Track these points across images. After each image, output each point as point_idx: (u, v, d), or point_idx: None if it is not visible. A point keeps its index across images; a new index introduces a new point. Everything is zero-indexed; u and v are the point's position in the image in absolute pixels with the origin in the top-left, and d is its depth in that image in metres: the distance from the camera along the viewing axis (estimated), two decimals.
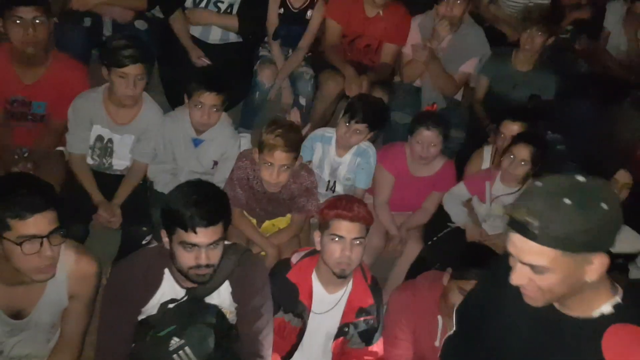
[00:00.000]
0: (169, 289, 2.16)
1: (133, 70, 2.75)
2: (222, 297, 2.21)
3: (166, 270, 2.15)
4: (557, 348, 1.53)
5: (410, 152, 3.24)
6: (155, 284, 2.14)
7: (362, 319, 2.45)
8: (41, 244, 1.83)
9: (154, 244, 3.04)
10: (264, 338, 2.22)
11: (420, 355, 2.52)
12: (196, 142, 3.04)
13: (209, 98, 2.88)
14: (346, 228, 2.30)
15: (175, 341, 2.12)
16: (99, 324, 2.18)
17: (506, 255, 1.49)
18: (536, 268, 1.42)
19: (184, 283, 2.14)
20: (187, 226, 1.96)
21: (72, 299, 2.10)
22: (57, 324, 2.15)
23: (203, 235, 1.98)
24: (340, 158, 3.22)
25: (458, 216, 3.26)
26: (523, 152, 3.07)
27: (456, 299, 2.37)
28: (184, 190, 2.05)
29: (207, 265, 2.03)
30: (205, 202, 1.99)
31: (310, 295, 2.41)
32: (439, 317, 2.52)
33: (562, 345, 1.52)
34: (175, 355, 2.11)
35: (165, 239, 2.08)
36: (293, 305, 2.39)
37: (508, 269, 1.49)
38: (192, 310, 2.15)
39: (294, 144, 2.74)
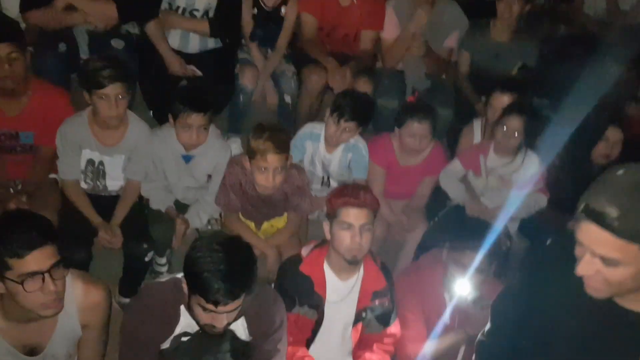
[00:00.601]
0: (186, 324, 2.11)
1: (113, 90, 2.72)
2: (237, 327, 2.16)
3: (182, 307, 2.10)
4: (616, 342, 1.48)
5: (398, 144, 3.24)
6: (173, 320, 2.10)
7: (377, 302, 2.47)
8: (43, 279, 1.81)
9: (156, 258, 3.09)
10: None
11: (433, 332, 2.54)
12: (187, 159, 3.01)
13: (196, 119, 2.83)
14: (354, 215, 2.32)
15: None
16: None
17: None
18: (608, 261, 1.37)
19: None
20: (210, 299, 1.88)
21: (86, 328, 2.08)
22: (73, 355, 2.14)
23: (224, 309, 1.91)
24: (329, 155, 3.22)
25: (456, 193, 3.26)
26: (515, 123, 3.08)
27: (455, 273, 2.44)
28: (214, 255, 1.89)
29: (224, 326, 1.97)
30: (234, 275, 1.88)
31: (324, 285, 2.42)
32: (445, 295, 2.55)
33: (622, 339, 1.48)
34: None
35: (185, 288, 1.99)
36: (309, 297, 2.40)
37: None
38: (206, 341, 2.11)
39: (284, 145, 2.74)
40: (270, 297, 2.19)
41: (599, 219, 1.34)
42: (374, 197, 2.41)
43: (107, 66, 2.72)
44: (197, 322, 2.03)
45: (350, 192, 2.36)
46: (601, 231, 1.34)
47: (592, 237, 1.37)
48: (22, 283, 1.79)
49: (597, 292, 1.44)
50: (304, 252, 2.48)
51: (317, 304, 2.41)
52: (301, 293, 2.40)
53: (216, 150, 3.01)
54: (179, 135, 2.90)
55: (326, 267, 2.44)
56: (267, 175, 2.73)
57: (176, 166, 3.01)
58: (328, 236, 2.41)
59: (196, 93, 2.96)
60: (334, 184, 3.28)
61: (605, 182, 1.37)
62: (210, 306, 1.89)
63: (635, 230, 1.32)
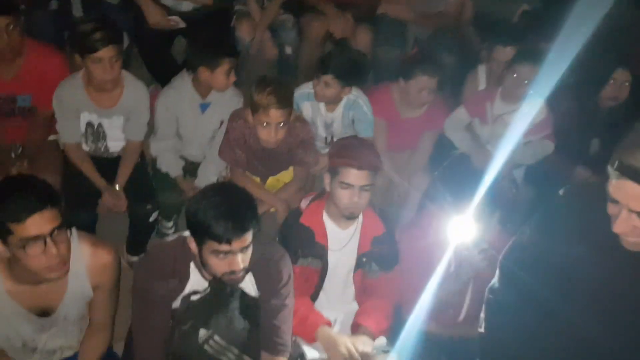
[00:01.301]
0: (195, 282, 2.13)
1: (106, 53, 2.67)
2: (245, 284, 2.18)
3: (192, 264, 2.12)
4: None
5: (399, 96, 3.19)
6: (184, 277, 2.11)
7: (376, 247, 2.50)
8: (45, 243, 1.83)
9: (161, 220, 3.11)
10: (288, 327, 2.22)
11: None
12: (203, 107, 3.02)
13: (229, 62, 2.87)
14: (355, 176, 2.31)
15: (203, 332, 2.11)
16: (133, 323, 2.18)
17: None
18: None
19: (208, 275, 2.11)
20: (222, 239, 1.90)
21: (96, 289, 2.11)
22: (85, 315, 2.18)
23: (237, 244, 1.92)
24: (331, 113, 3.17)
25: (462, 141, 3.24)
26: (526, 71, 3.03)
27: (460, 222, 2.40)
28: (211, 200, 1.94)
29: (242, 269, 1.98)
30: (236, 210, 1.91)
31: (325, 234, 2.45)
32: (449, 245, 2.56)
33: None
34: (206, 346, 2.11)
35: (193, 246, 2.01)
36: (311, 247, 2.43)
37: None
38: (215, 299, 2.14)
39: (287, 100, 2.72)
40: (277, 253, 2.21)
41: (636, 175, 1.34)
42: (377, 157, 2.39)
43: (99, 28, 2.67)
44: (215, 276, 2.04)
45: (351, 153, 2.33)
46: (638, 187, 1.35)
47: (628, 194, 1.37)
48: (24, 247, 1.81)
49: (636, 246, 1.45)
50: (303, 204, 2.50)
51: (321, 254, 2.44)
52: (303, 244, 2.43)
53: (230, 96, 3.03)
54: (215, 81, 2.91)
55: (325, 218, 2.46)
56: (269, 129, 2.72)
57: (192, 116, 3.02)
58: (328, 188, 2.42)
59: (222, 39, 3.02)
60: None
61: (638, 137, 1.36)
62: (225, 246, 1.90)
63: None
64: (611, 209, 1.42)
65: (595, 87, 3.13)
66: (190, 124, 3.03)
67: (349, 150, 2.36)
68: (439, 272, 2.56)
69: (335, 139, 3.23)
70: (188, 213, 1.99)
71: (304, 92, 3.15)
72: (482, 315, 1.88)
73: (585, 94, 3.09)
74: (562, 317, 1.57)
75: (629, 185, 1.36)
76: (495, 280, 1.82)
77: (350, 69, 3.01)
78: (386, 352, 2.46)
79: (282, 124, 2.72)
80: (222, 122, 3.04)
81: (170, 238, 2.25)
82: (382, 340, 2.48)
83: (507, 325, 1.74)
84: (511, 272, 1.74)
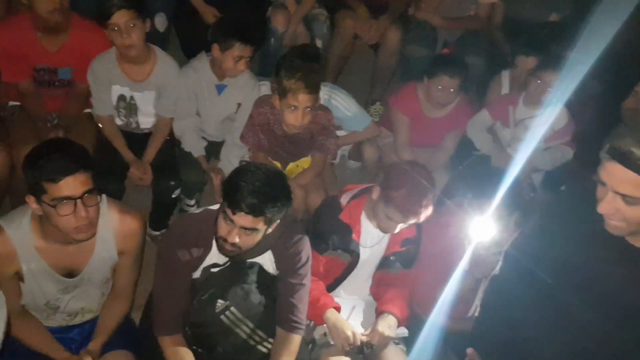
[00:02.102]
0: (216, 256, 2.21)
1: (120, 18, 2.68)
2: (264, 260, 2.25)
3: (214, 239, 2.19)
4: (624, 277, 1.53)
5: (424, 95, 3.23)
6: (206, 249, 2.19)
7: (405, 248, 2.54)
8: (75, 205, 1.89)
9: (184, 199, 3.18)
10: (303, 306, 2.28)
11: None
12: (219, 89, 3.06)
13: (245, 51, 2.88)
14: (399, 219, 2.35)
15: (220, 303, 2.17)
16: (155, 287, 2.25)
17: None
18: (629, 199, 1.42)
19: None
20: (231, 204, 1.98)
21: (122, 255, 2.18)
22: (109, 279, 2.25)
23: (241, 219, 1.99)
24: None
25: (483, 143, 3.28)
26: (551, 78, 3.06)
27: (477, 221, 2.43)
28: (255, 173, 2.01)
29: (233, 244, 2.04)
30: (264, 194, 1.97)
31: (360, 232, 2.50)
32: (465, 242, 2.60)
33: (630, 274, 1.53)
34: (222, 317, 2.16)
35: (220, 200, 2.10)
36: (346, 243, 2.48)
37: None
38: (234, 272, 2.20)
39: (315, 85, 2.76)
40: (297, 234, 2.27)
41: (624, 159, 1.39)
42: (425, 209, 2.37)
43: None
44: (215, 235, 2.11)
45: (410, 207, 2.32)
46: (625, 170, 1.39)
47: (616, 177, 1.42)
48: (55, 207, 1.88)
49: (616, 230, 1.50)
50: (343, 200, 2.53)
51: (353, 250, 2.49)
52: (338, 239, 2.47)
53: (246, 79, 3.06)
54: (225, 65, 2.93)
55: (363, 217, 2.51)
56: (296, 114, 2.76)
57: (209, 96, 3.06)
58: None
59: (246, 24, 2.95)
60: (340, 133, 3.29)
61: (630, 125, 1.42)
62: (229, 212, 1.98)
63: None
64: (599, 191, 1.48)
65: (617, 98, 3.14)
66: (207, 104, 3.08)
67: (411, 200, 2.32)
68: (455, 269, 2.62)
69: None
70: (234, 170, 2.09)
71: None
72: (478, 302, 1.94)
73: (607, 105, 3.12)
74: (556, 300, 1.63)
75: (617, 168, 1.41)
76: (497, 269, 1.88)
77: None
78: (397, 344, 2.50)
79: (308, 109, 2.77)
80: (239, 105, 3.09)
81: (198, 210, 2.32)
82: (403, 330, 2.53)
83: (501, 305, 1.81)
84: (512, 258, 1.81)
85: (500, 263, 2.38)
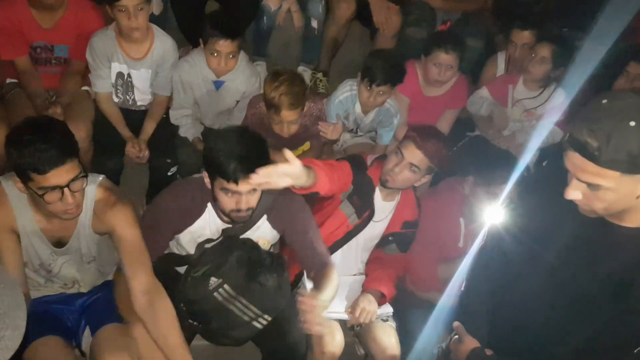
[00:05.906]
0: (209, 222, 2.25)
1: (130, 1, 2.70)
2: (261, 230, 2.30)
3: (209, 205, 2.23)
4: (607, 256, 1.54)
5: (422, 73, 3.23)
6: (195, 215, 2.23)
7: (404, 230, 2.58)
8: (62, 192, 1.90)
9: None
10: (319, 244, 2.33)
11: (446, 255, 2.65)
12: (217, 84, 3.05)
13: (224, 46, 2.86)
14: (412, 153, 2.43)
15: (213, 280, 2.19)
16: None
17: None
18: (592, 186, 1.42)
19: (224, 217, 2.22)
20: (230, 178, 2.01)
21: (113, 233, 2.11)
22: (105, 259, 2.25)
23: (244, 186, 2.02)
24: (364, 115, 3.16)
25: (484, 108, 3.30)
26: (544, 50, 3.09)
27: (475, 200, 2.49)
28: (228, 140, 2.05)
29: (247, 209, 2.10)
30: (247, 154, 2.01)
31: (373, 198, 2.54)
32: (461, 220, 2.64)
33: (613, 253, 1.54)
34: (216, 294, 2.18)
35: (207, 180, 2.13)
36: (367, 199, 2.50)
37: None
38: (225, 248, 2.23)
39: (300, 98, 2.73)
40: (287, 193, 2.20)
41: (581, 149, 1.38)
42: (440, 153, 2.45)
43: None
44: (225, 214, 2.16)
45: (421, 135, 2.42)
46: (584, 160, 1.38)
47: (576, 166, 1.41)
48: (42, 196, 1.88)
49: (588, 213, 1.51)
50: (368, 160, 2.57)
51: (366, 211, 2.51)
52: (362, 191, 2.50)
53: (246, 77, 3.05)
54: (209, 61, 2.94)
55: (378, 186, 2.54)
56: (281, 126, 2.79)
57: (206, 92, 3.06)
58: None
59: (227, 18, 2.91)
60: (360, 133, 3.31)
61: (588, 112, 1.39)
62: (232, 185, 2.02)
63: (616, 159, 1.35)
64: (568, 176, 1.48)
65: (609, 78, 3.15)
66: (205, 100, 3.08)
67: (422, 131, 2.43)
68: (448, 246, 2.66)
69: (359, 132, 3.29)
70: (205, 149, 2.12)
71: (335, 103, 3.10)
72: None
73: (600, 85, 3.12)
74: (540, 263, 1.65)
75: (577, 157, 1.40)
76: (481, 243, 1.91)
77: (398, 71, 2.98)
78: (385, 320, 2.56)
79: (294, 121, 2.78)
80: (237, 102, 3.09)
81: (196, 176, 2.33)
82: (388, 308, 2.57)
83: (485, 276, 1.83)
84: (495, 231, 1.81)
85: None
